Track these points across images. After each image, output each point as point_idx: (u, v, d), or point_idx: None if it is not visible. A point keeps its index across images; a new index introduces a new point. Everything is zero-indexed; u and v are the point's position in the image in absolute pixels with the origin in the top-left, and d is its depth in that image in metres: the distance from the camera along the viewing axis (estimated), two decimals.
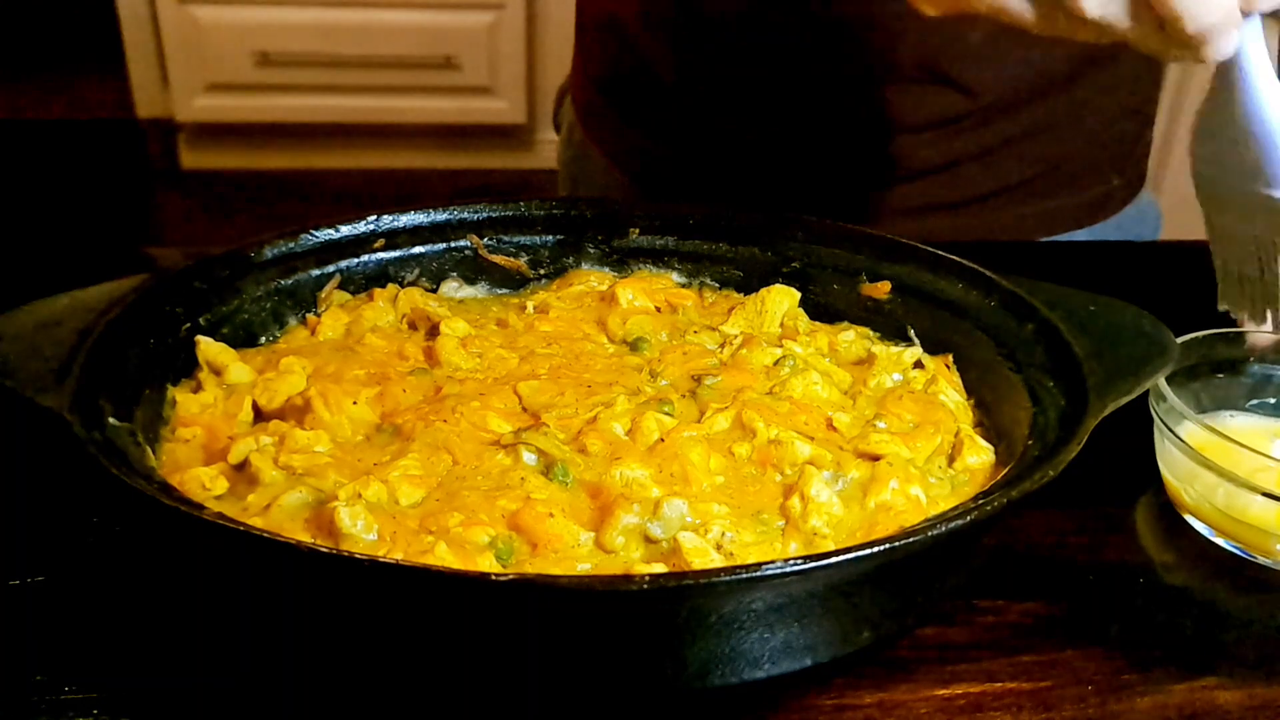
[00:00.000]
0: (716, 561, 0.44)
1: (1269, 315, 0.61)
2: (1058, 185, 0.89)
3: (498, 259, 0.65)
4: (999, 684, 0.46)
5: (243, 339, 0.57)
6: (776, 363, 0.57)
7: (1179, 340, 0.54)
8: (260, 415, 0.53)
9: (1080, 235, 0.91)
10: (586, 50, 0.98)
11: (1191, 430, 0.54)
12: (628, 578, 0.39)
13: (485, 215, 0.64)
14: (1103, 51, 0.84)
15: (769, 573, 0.37)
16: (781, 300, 0.62)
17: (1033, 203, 0.89)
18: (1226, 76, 0.53)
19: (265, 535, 0.40)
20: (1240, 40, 0.49)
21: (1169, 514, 0.58)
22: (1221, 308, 0.63)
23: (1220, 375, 0.61)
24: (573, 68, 1.02)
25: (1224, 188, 0.58)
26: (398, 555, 0.43)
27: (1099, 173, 0.91)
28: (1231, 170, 0.56)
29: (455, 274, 0.64)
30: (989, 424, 0.55)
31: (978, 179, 0.87)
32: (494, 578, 0.37)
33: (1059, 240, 0.90)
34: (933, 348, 0.59)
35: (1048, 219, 0.90)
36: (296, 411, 0.52)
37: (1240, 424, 0.60)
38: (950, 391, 0.56)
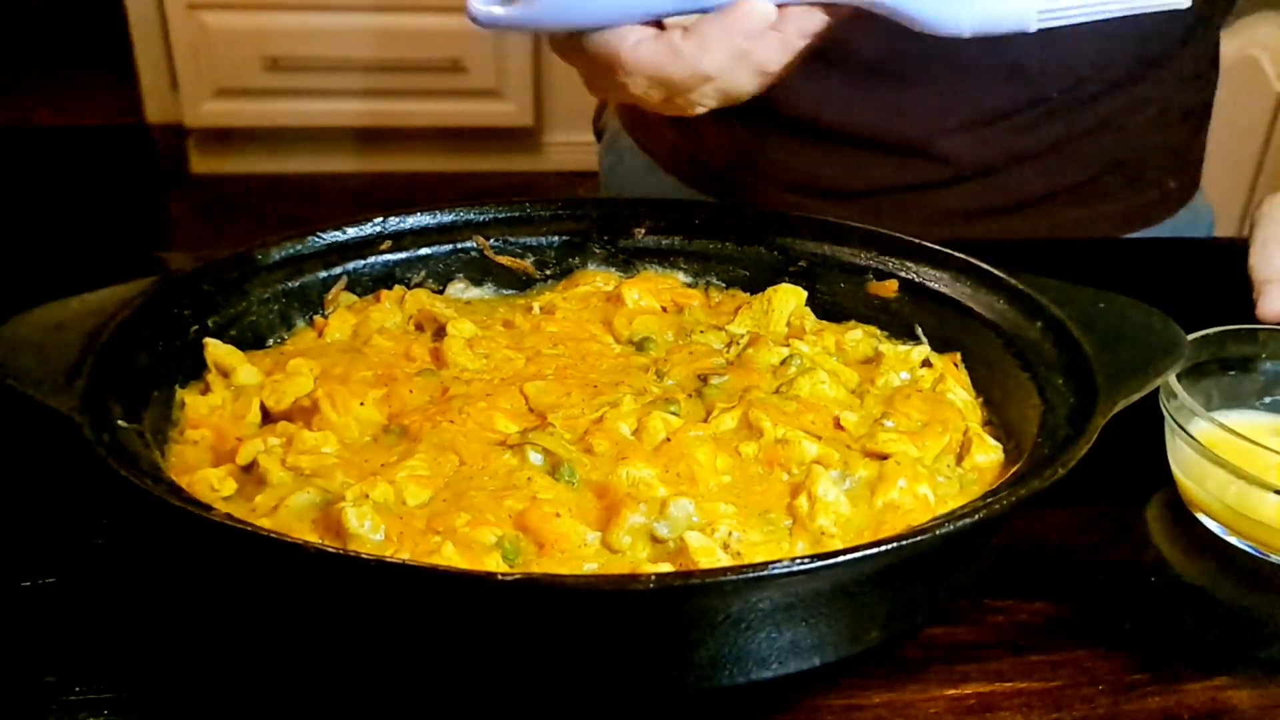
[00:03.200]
0: (723, 561, 0.44)
1: None
2: (1115, 187, 0.87)
3: (504, 260, 0.65)
4: (1009, 684, 0.46)
5: (250, 341, 0.57)
6: (783, 362, 0.57)
7: (1189, 337, 0.54)
8: (268, 417, 0.53)
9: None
10: None
11: (1203, 428, 0.54)
12: (634, 577, 0.38)
13: (491, 216, 0.64)
14: (1166, 49, 0.83)
15: (776, 572, 0.37)
16: (788, 299, 0.62)
17: (1089, 205, 0.87)
18: None
19: (273, 536, 0.40)
20: None
21: (1180, 512, 0.57)
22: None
23: (1232, 372, 0.61)
24: None
25: None
26: (405, 555, 0.43)
27: (1157, 174, 0.89)
28: None
29: (462, 275, 0.64)
30: (998, 422, 0.55)
31: (1032, 181, 0.85)
32: (501, 578, 0.37)
33: (1073, 238, 0.89)
34: (941, 346, 0.59)
35: (1102, 222, 0.88)
36: (304, 413, 0.52)
37: (1252, 421, 0.60)
38: (958, 390, 0.56)
